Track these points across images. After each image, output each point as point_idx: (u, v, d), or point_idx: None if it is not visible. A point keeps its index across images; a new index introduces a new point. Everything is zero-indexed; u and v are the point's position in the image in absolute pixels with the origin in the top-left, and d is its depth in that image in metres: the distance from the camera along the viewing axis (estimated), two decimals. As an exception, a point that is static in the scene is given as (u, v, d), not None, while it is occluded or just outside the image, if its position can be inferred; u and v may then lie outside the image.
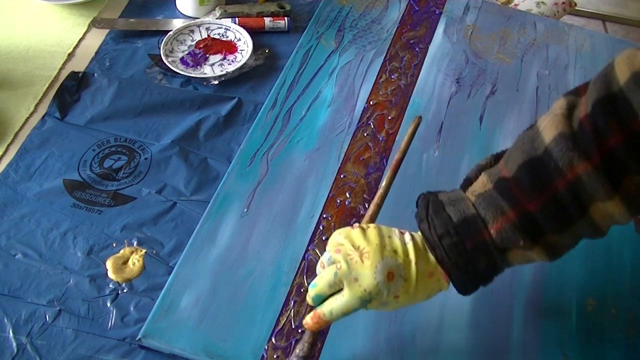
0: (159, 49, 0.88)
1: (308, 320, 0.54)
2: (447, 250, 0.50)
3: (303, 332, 0.60)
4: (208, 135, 0.79)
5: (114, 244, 0.67)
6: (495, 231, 0.50)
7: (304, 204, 0.72)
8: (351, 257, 0.51)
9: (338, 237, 0.53)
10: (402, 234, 0.53)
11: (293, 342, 0.60)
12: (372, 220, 0.58)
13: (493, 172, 0.52)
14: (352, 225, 0.54)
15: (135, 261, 0.66)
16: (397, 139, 0.80)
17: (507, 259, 0.52)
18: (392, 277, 0.51)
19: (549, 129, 0.49)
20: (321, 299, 0.54)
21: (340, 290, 0.53)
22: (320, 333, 0.57)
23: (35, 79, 0.83)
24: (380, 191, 0.60)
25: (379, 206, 0.59)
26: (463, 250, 0.50)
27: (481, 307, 0.65)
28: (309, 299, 0.55)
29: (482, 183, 0.52)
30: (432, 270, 0.52)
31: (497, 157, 0.55)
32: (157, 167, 0.75)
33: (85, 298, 0.62)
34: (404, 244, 0.52)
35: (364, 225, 0.54)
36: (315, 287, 0.54)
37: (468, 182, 0.55)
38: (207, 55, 0.89)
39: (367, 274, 0.50)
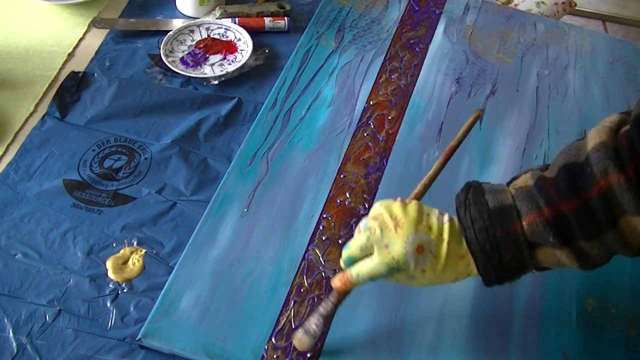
0: (159, 49, 0.88)
1: (336, 280, 0.57)
2: (476, 233, 0.52)
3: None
4: (208, 135, 0.79)
5: (114, 244, 0.67)
6: (528, 224, 0.51)
7: (304, 204, 0.72)
8: (386, 225, 0.53)
9: (378, 207, 0.55)
10: (442, 214, 0.55)
11: (293, 342, 0.60)
12: (417, 198, 0.59)
13: (537, 171, 0.54)
14: (394, 199, 0.56)
15: (135, 261, 0.66)
16: (397, 138, 0.80)
17: (536, 256, 0.52)
18: (422, 250, 0.52)
19: (593, 137, 0.50)
20: (352, 262, 0.56)
21: (370, 255, 0.55)
22: (346, 295, 0.58)
23: (35, 79, 0.83)
24: (430, 173, 0.61)
25: (427, 187, 0.60)
26: (492, 236, 0.51)
27: (481, 306, 0.65)
28: (341, 261, 0.57)
29: (525, 179, 0.54)
30: (464, 253, 0.53)
31: (548, 165, 0.56)
32: (157, 167, 0.75)
33: (85, 298, 0.62)
34: (441, 223, 0.54)
35: (407, 200, 0.56)
36: (348, 250, 0.56)
37: (514, 179, 0.56)
38: (207, 55, 0.89)
39: (398, 243, 0.52)
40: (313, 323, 0.58)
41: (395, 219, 0.53)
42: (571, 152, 0.51)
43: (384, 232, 0.53)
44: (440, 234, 0.53)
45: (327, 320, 0.58)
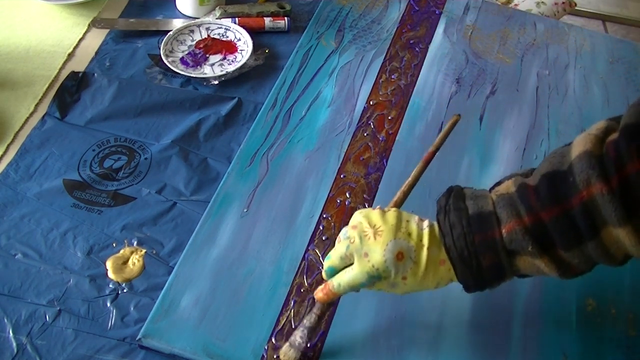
0: (159, 49, 0.88)
1: (318, 292, 0.57)
2: (455, 239, 0.51)
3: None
4: (208, 135, 0.79)
5: (114, 244, 0.67)
6: (507, 231, 0.50)
7: (304, 204, 0.72)
8: (365, 233, 0.53)
9: (357, 216, 0.55)
10: (421, 221, 0.54)
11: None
12: (397, 206, 0.59)
13: (520, 178, 0.53)
14: (373, 208, 0.56)
15: (135, 261, 0.66)
16: (397, 138, 0.80)
17: (516, 264, 0.52)
18: (402, 257, 0.52)
19: (578, 145, 0.49)
20: (333, 272, 0.56)
21: (351, 264, 0.54)
22: (330, 306, 0.58)
23: (35, 79, 0.83)
24: (408, 180, 0.61)
25: (406, 194, 0.60)
26: (471, 242, 0.51)
27: (481, 306, 0.65)
28: (323, 272, 0.57)
29: (507, 186, 0.53)
30: (444, 258, 0.52)
31: (533, 169, 0.55)
32: (157, 167, 0.75)
33: (85, 298, 0.62)
34: (420, 229, 0.53)
35: (386, 208, 0.56)
36: (329, 260, 0.56)
37: (497, 185, 0.55)
38: (207, 55, 0.89)
39: (377, 251, 0.52)
40: (298, 336, 0.57)
41: (374, 227, 0.53)
42: (555, 160, 0.50)
43: (363, 241, 0.53)
44: (420, 239, 0.53)
45: (312, 332, 0.57)
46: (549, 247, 0.50)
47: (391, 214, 0.54)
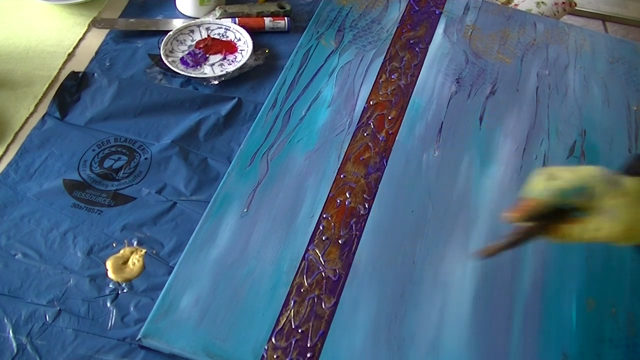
0: (159, 49, 0.88)
1: (510, 212, 0.54)
2: None
3: (302, 332, 0.60)
4: (208, 135, 0.79)
5: (114, 244, 0.67)
6: None
7: (304, 204, 0.72)
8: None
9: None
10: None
11: (293, 342, 0.60)
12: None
13: None
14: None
15: (135, 261, 0.66)
16: (397, 138, 0.80)
17: None
18: (613, 182, 0.51)
19: None
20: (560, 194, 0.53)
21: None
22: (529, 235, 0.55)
23: (35, 79, 0.83)
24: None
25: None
26: None
27: (481, 306, 0.65)
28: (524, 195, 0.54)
29: None
30: None
31: None
32: (157, 167, 0.75)
33: (85, 298, 0.62)
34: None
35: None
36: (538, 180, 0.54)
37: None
38: (207, 55, 0.89)
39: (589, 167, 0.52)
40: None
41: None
42: None
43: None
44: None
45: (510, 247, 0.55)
46: None
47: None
